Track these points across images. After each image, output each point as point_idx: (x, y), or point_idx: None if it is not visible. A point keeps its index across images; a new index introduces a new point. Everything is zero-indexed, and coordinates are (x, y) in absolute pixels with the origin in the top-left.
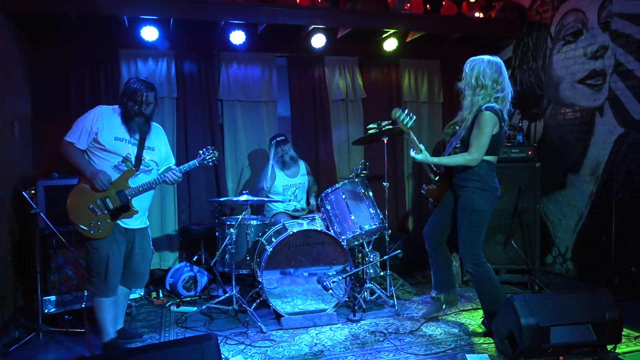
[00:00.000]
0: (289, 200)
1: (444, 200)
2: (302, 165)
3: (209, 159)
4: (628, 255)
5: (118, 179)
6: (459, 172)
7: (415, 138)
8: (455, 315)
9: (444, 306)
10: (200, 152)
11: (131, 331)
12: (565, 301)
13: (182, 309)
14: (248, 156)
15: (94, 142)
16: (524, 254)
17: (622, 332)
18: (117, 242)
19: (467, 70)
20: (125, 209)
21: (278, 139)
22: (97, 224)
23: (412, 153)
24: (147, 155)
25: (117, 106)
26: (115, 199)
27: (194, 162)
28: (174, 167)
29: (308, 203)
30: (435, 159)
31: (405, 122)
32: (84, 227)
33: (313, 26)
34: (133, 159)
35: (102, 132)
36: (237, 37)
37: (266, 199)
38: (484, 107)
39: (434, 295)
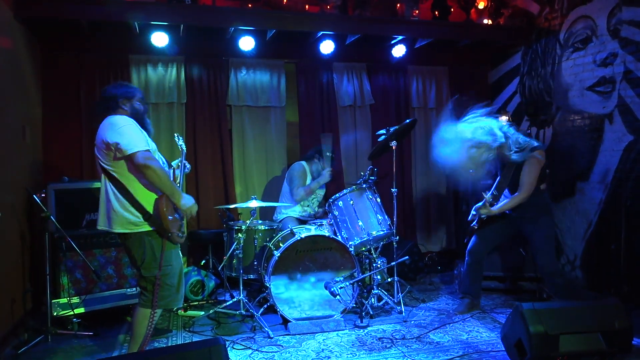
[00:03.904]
0: (307, 206)
1: (493, 227)
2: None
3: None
4: (638, 264)
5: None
6: (526, 207)
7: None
8: (462, 322)
9: (473, 307)
10: (178, 143)
11: (159, 328)
12: (574, 309)
13: (190, 313)
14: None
15: None
16: (532, 262)
17: (632, 342)
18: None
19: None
20: None
21: (329, 154)
22: (181, 228)
23: (482, 212)
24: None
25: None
26: None
27: (183, 151)
28: (184, 162)
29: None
30: (497, 209)
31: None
32: (179, 235)
33: (322, 32)
34: (165, 161)
35: (149, 140)
36: (247, 43)
37: (280, 204)
38: (529, 148)
39: (466, 296)
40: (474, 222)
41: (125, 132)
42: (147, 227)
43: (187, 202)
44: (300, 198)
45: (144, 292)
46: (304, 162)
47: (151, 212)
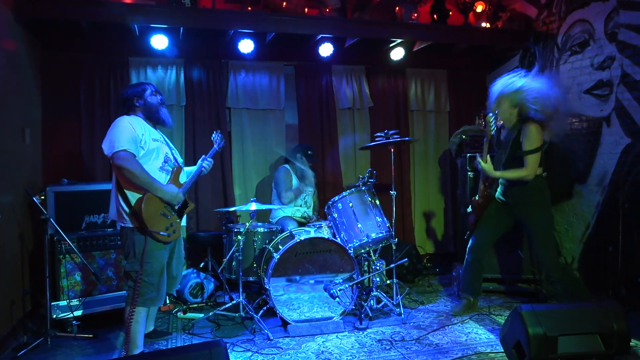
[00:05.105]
0: (300, 206)
1: (491, 219)
2: (311, 174)
3: (221, 142)
4: (635, 266)
5: (171, 179)
6: (520, 191)
7: (487, 147)
8: (461, 324)
9: (470, 308)
10: (213, 137)
11: (160, 330)
12: (572, 311)
13: (189, 315)
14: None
15: (140, 148)
16: (530, 264)
17: (630, 344)
18: (167, 250)
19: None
20: (185, 206)
21: (310, 152)
22: (171, 226)
23: (479, 159)
24: (174, 152)
25: (130, 114)
26: None
27: (214, 149)
28: (204, 156)
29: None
30: (498, 173)
31: (491, 127)
32: (163, 233)
33: (321, 35)
34: (171, 157)
35: (145, 136)
36: (246, 46)
37: (275, 206)
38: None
39: (464, 296)
40: (469, 207)
41: (110, 135)
42: (132, 223)
43: (168, 193)
44: (289, 201)
45: (129, 289)
46: (287, 165)
47: (135, 209)
